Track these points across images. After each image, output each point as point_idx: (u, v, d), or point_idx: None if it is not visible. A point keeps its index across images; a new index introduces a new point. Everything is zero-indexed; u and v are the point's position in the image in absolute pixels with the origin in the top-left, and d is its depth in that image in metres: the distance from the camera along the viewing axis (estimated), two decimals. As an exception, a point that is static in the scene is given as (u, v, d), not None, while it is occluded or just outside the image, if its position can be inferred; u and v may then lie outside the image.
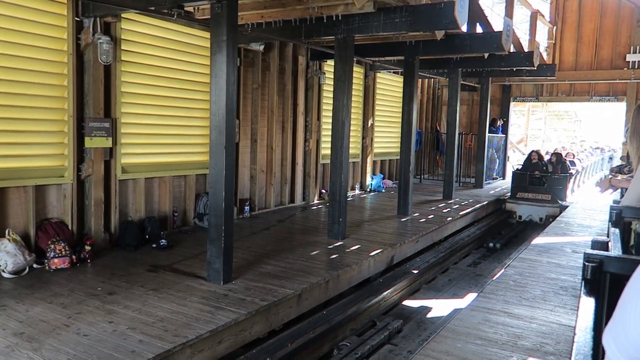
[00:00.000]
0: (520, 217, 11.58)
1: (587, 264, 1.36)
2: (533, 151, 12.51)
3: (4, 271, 5.36)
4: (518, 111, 23.35)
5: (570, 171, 12.07)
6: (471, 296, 6.43)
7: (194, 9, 6.71)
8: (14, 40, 5.55)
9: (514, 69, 11.41)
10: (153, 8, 5.87)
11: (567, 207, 9.98)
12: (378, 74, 12.74)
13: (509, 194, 12.14)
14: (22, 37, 5.61)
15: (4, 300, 4.69)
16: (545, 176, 11.62)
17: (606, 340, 0.86)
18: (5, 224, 5.66)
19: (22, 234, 5.77)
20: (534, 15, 11.54)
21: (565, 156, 14.99)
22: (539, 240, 7.54)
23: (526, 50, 10.71)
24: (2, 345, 3.81)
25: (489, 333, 4.09)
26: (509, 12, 9.47)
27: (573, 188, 13.20)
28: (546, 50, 15.03)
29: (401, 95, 9.79)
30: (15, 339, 3.91)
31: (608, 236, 2.28)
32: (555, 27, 15.16)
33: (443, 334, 4.10)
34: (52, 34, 5.91)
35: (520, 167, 12.57)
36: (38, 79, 5.82)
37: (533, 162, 11.97)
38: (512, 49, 9.65)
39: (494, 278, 5.75)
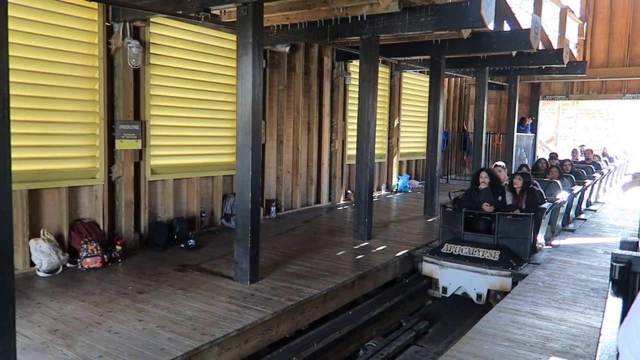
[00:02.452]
0: (444, 289, 6.46)
1: (615, 264, 1.34)
2: (483, 170, 7.16)
3: (39, 270, 5.53)
4: (548, 110, 22.91)
5: (543, 204, 6.89)
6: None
7: (221, 11, 6.79)
8: (48, 46, 5.72)
9: (543, 66, 11.20)
10: (181, 12, 5.96)
11: (525, 275, 5.78)
12: (404, 74, 12.67)
13: (439, 240, 7.12)
14: (55, 42, 5.78)
15: (39, 298, 4.84)
16: (496, 215, 6.53)
17: (620, 344, 0.85)
18: (40, 224, 5.84)
19: (56, 234, 5.94)
20: (564, 12, 11.31)
21: (584, 154, 13.19)
22: (568, 241, 7.40)
23: (555, 47, 10.48)
24: (38, 341, 3.94)
25: (517, 335, 4.04)
26: (537, 9, 9.31)
27: (605, 188, 12.66)
28: (576, 47, 14.71)
29: (427, 94, 9.72)
30: (49, 336, 4.03)
31: (639, 237, 2.24)
32: (585, 24, 14.82)
33: (470, 335, 4.06)
34: (83, 39, 6.07)
35: (459, 195, 7.35)
36: (71, 83, 5.98)
37: (481, 187, 6.87)
38: (540, 47, 9.46)
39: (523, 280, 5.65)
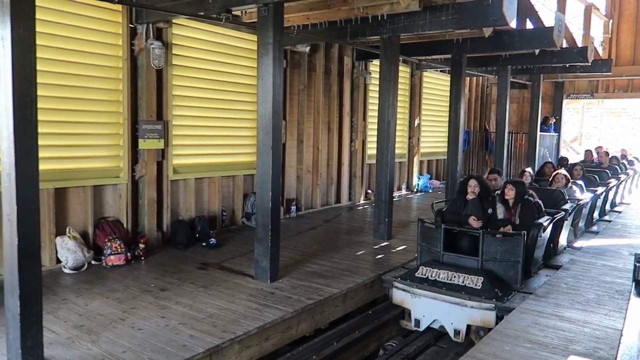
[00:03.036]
0: (417, 322, 5.34)
1: (638, 265, 1.33)
2: (472, 177, 6.01)
3: (64, 267, 5.66)
4: (572, 108, 22.52)
5: (540, 216, 5.80)
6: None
7: (242, 12, 6.84)
8: (74, 48, 5.84)
9: (567, 65, 11.00)
10: (202, 13, 6.04)
11: (512, 309, 4.63)
12: (425, 73, 12.60)
13: (416, 260, 5.98)
14: (80, 44, 5.90)
15: (65, 294, 4.96)
16: (480, 233, 5.39)
17: None
18: (66, 222, 5.97)
19: (81, 232, 6.06)
20: (588, 9, 11.12)
21: (599, 157, 11.61)
22: (592, 242, 7.27)
23: (580, 45, 10.31)
24: (64, 336, 4.03)
25: (539, 336, 3.99)
26: (561, 7, 9.18)
27: (631, 189, 12.33)
28: (601, 44, 14.43)
29: (448, 94, 9.65)
30: (75, 331, 4.13)
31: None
32: (611, 21, 14.53)
33: (491, 336, 4.03)
34: (108, 41, 6.19)
35: (444, 206, 6.42)
36: (96, 84, 6.10)
37: (469, 198, 5.82)
38: (564, 45, 9.32)
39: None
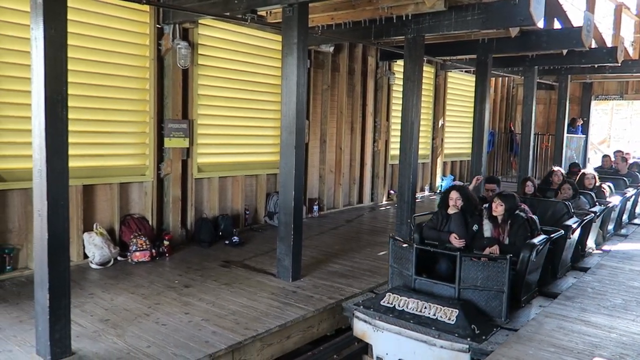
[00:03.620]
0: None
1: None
2: (454, 189, 5.31)
3: (91, 262, 5.78)
4: (600, 110, 22.05)
5: (534, 234, 4.89)
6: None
7: (266, 13, 6.89)
8: (102, 48, 5.97)
9: (596, 65, 10.78)
10: (228, 13, 6.10)
11: (490, 352, 3.78)
12: (449, 74, 12.49)
13: (388, 283, 5.14)
14: (109, 44, 6.03)
15: (91, 289, 5.07)
16: (457, 256, 4.46)
17: None
18: (94, 218, 6.10)
19: (108, 228, 6.19)
20: (618, 8, 10.86)
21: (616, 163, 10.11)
22: (620, 246, 7.12)
23: (609, 45, 10.09)
24: (90, 329, 4.13)
25: (564, 341, 3.93)
26: (590, 6, 8.99)
27: None
28: (632, 44, 14.07)
29: (473, 94, 9.56)
30: (101, 325, 4.22)
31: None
32: (642, 20, 14.19)
33: (514, 339, 3.98)
34: (136, 41, 6.30)
35: (428, 222, 5.38)
36: (123, 84, 6.22)
37: (450, 212, 5.10)
38: (593, 45, 9.14)
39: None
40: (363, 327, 4.55)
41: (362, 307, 4.59)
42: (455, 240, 4.94)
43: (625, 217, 8.55)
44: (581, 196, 6.80)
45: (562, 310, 4.58)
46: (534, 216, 5.19)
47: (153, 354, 3.75)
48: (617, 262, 6.28)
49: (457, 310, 4.17)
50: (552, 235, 5.04)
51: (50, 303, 3.45)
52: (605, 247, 7.01)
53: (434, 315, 4.24)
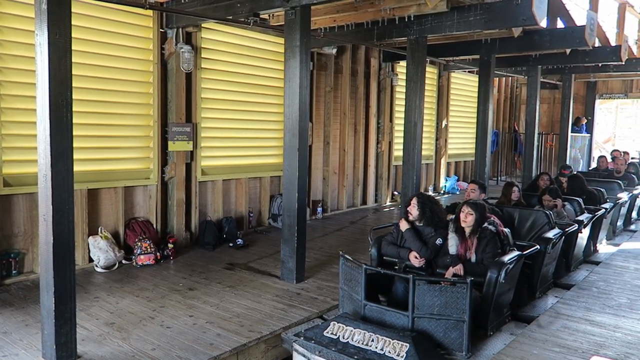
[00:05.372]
0: None
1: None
2: (415, 196, 4.76)
3: (96, 266, 5.81)
4: (605, 109, 21.96)
5: (505, 250, 4.36)
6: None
7: (269, 16, 6.91)
8: (106, 53, 6.00)
9: (600, 64, 10.75)
10: (231, 17, 6.12)
11: None
12: (452, 74, 12.48)
13: (340, 309, 4.61)
14: (113, 49, 6.06)
15: (97, 292, 5.09)
16: (410, 279, 3.84)
17: None
18: (98, 222, 6.13)
19: (113, 232, 6.22)
20: (622, 7, 10.82)
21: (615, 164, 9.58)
22: (626, 245, 7.10)
23: (613, 44, 10.06)
24: (96, 333, 4.15)
25: (568, 341, 3.92)
26: (593, 5, 8.97)
27: None
28: (636, 43, 14.02)
29: (477, 95, 9.55)
30: (106, 328, 4.24)
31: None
32: (646, 19, 14.13)
33: (519, 339, 3.98)
34: (139, 45, 6.33)
35: (388, 236, 4.90)
36: (127, 88, 6.26)
37: (402, 228, 4.67)
38: (597, 44, 9.11)
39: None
40: None
41: (302, 338, 3.98)
42: (416, 260, 4.46)
43: (619, 223, 7.99)
44: (567, 204, 6.33)
45: (567, 310, 4.58)
46: (505, 229, 4.57)
47: (158, 357, 3.76)
48: (622, 261, 6.29)
49: (407, 345, 3.57)
50: (525, 252, 4.44)
51: (56, 307, 3.48)
52: (611, 246, 6.99)
53: (382, 349, 3.64)
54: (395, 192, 10.78)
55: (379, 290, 4.32)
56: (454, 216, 4.54)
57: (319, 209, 8.98)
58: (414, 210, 4.58)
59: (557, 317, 4.42)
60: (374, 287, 4.21)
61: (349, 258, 4.34)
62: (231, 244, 6.94)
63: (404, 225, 4.61)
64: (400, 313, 3.90)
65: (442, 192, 12.45)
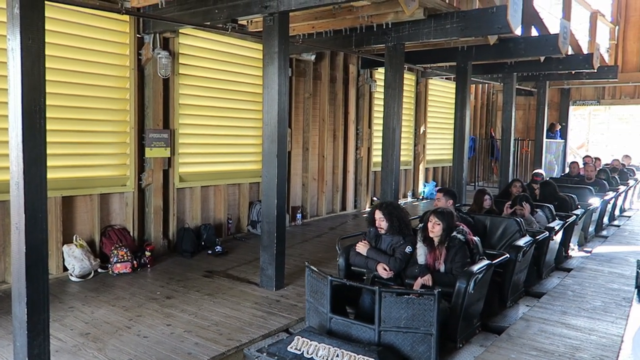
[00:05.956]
0: None
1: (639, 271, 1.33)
2: (376, 208, 4.66)
3: (71, 275, 5.69)
4: (578, 115, 22.43)
5: (475, 259, 4.32)
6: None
7: (247, 22, 6.90)
8: (82, 58, 5.91)
9: (573, 71, 11.00)
10: (209, 23, 6.09)
11: None
12: (430, 81, 12.62)
13: (306, 323, 4.43)
14: (89, 54, 5.97)
15: (71, 302, 4.99)
16: (376, 291, 3.73)
17: (634, 348, 0.86)
18: (73, 230, 6.01)
19: (88, 240, 6.10)
20: (594, 16, 11.10)
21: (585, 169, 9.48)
22: (600, 249, 7.24)
23: (585, 52, 10.30)
24: (70, 344, 4.06)
25: (545, 344, 3.98)
26: (566, 14, 9.18)
27: (632, 200, 11.91)
28: (607, 51, 14.39)
29: (454, 101, 9.67)
30: (81, 339, 4.15)
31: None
32: (617, 27, 14.52)
33: (497, 344, 4.02)
34: (115, 51, 6.25)
35: (365, 245, 4.65)
36: (103, 94, 6.17)
37: (381, 232, 4.60)
38: (570, 52, 9.32)
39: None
40: None
41: (265, 354, 3.85)
42: (383, 270, 4.37)
43: (591, 229, 8.01)
44: (538, 210, 6.26)
45: (543, 314, 4.64)
46: (475, 238, 4.49)
47: (135, 367, 3.70)
48: (597, 264, 6.42)
49: (372, 359, 3.48)
50: (494, 261, 4.37)
51: (29, 318, 3.38)
52: (586, 249, 7.12)
53: None
54: (375, 198, 10.82)
55: (346, 301, 4.20)
56: (422, 225, 4.44)
57: (299, 215, 8.96)
58: (383, 224, 4.49)
59: (533, 320, 4.48)
60: (341, 298, 4.10)
61: (314, 269, 4.16)
62: (210, 252, 6.88)
63: (363, 249, 4.52)
64: (366, 326, 3.78)
65: (420, 197, 12.55)
